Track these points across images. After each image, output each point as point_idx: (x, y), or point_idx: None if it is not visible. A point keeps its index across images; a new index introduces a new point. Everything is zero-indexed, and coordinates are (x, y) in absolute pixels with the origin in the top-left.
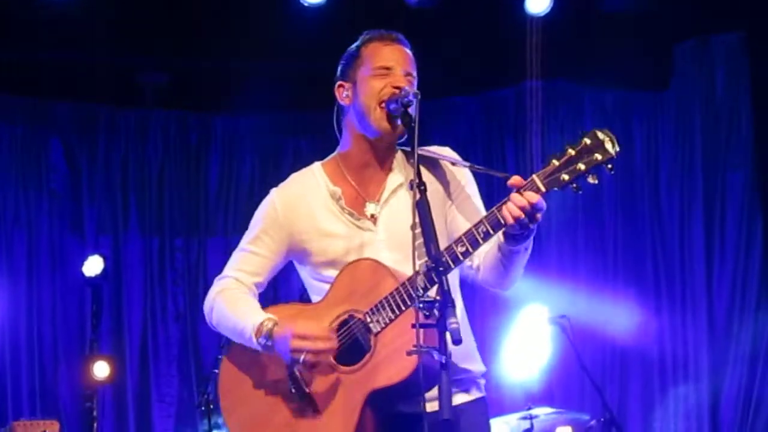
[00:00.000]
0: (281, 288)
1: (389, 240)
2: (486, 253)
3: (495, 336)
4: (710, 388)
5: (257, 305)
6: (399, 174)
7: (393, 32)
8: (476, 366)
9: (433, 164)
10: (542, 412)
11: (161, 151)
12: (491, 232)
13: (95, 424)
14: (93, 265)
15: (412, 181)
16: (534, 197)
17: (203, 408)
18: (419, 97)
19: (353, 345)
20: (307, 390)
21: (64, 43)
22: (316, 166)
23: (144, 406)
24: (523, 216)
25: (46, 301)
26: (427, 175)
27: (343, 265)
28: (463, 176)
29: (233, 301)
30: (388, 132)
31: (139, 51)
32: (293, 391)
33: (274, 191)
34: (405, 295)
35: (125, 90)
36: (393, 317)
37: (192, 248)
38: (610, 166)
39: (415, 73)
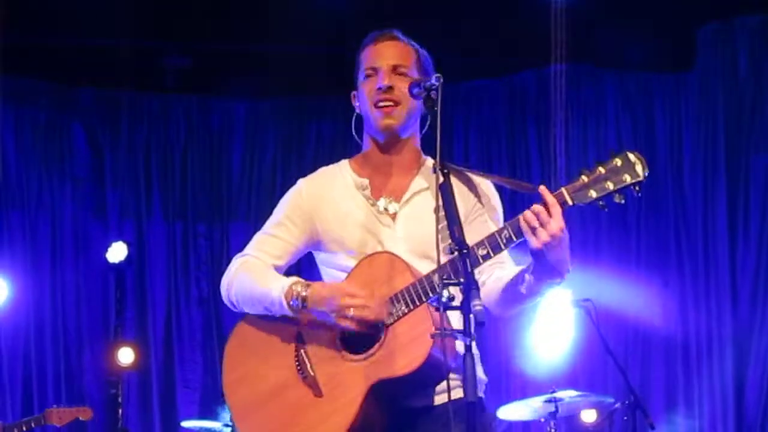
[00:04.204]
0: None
1: (406, 239)
2: (501, 278)
3: (519, 320)
4: (735, 370)
5: (278, 274)
6: (424, 179)
7: (385, 30)
8: (482, 376)
9: (465, 180)
10: (567, 395)
11: (184, 135)
12: (514, 238)
13: (120, 410)
14: (117, 252)
15: (434, 164)
16: (556, 208)
17: None
18: (442, 80)
19: (363, 334)
20: (312, 373)
21: (86, 27)
22: (343, 162)
23: (168, 392)
24: (537, 224)
25: (70, 287)
26: (455, 188)
27: (360, 256)
28: (492, 200)
29: (257, 272)
30: (387, 126)
31: (161, 35)
32: (299, 372)
33: (301, 180)
34: (421, 291)
35: (148, 74)
36: (406, 311)
37: (215, 233)
38: (637, 188)
39: (409, 63)
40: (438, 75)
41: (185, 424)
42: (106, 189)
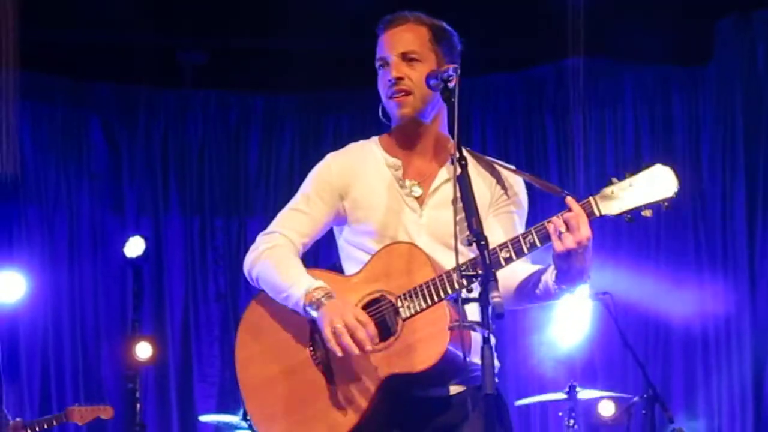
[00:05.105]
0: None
1: (429, 226)
2: (515, 272)
3: (536, 313)
4: (753, 363)
5: (304, 269)
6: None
7: (397, 13)
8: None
9: (492, 170)
10: (585, 388)
11: (201, 130)
12: (538, 243)
13: (138, 405)
14: (134, 246)
15: (452, 156)
16: (583, 217)
17: None
18: (459, 71)
19: (379, 325)
20: (327, 359)
21: (104, 23)
22: (374, 138)
23: (186, 387)
24: (564, 230)
25: (87, 282)
26: (480, 177)
27: (383, 241)
28: (519, 195)
29: (283, 259)
30: (405, 115)
31: (179, 31)
32: (312, 356)
33: (330, 155)
34: (440, 288)
35: (165, 70)
36: (425, 306)
37: (232, 228)
38: (666, 204)
39: (420, 46)
40: (455, 66)
41: (203, 418)
42: (124, 184)
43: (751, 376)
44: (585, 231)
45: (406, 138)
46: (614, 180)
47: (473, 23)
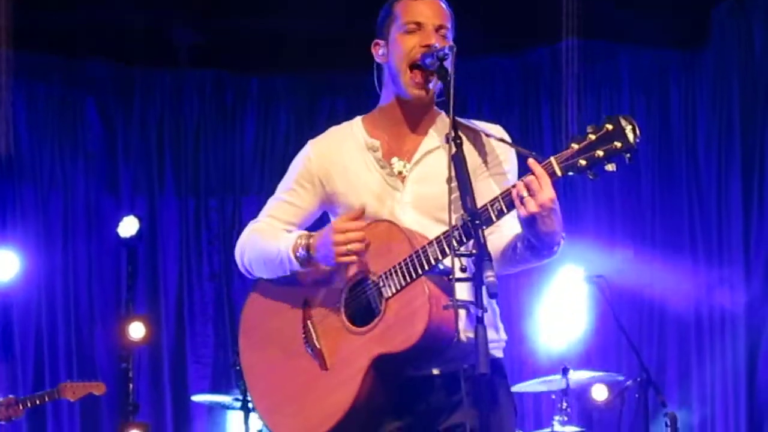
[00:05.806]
0: None
1: (414, 201)
2: (499, 239)
3: (531, 297)
4: (747, 349)
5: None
6: (437, 137)
7: None
8: (498, 335)
9: (474, 136)
10: (578, 372)
11: (197, 111)
12: (505, 210)
13: (131, 385)
14: (128, 226)
15: (447, 135)
16: (545, 179)
17: (238, 368)
18: (455, 50)
19: (366, 307)
20: (318, 345)
21: (100, 2)
22: (356, 119)
23: (179, 367)
24: (526, 194)
25: (81, 262)
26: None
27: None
28: (506, 156)
29: (266, 234)
30: (419, 97)
31: (174, 10)
32: (305, 343)
33: (309, 143)
34: (417, 264)
35: (161, 50)
36: (404, 284)
37: (227, 208)
38: (629, 155)
39: (449, 25)
40: (451, 44)
41: (196, 398)
42: (119, 164)
43: (745, 362)
44: (548, 193)
45: (402, 109)
46: (576, 137)
47: (469, 6)
